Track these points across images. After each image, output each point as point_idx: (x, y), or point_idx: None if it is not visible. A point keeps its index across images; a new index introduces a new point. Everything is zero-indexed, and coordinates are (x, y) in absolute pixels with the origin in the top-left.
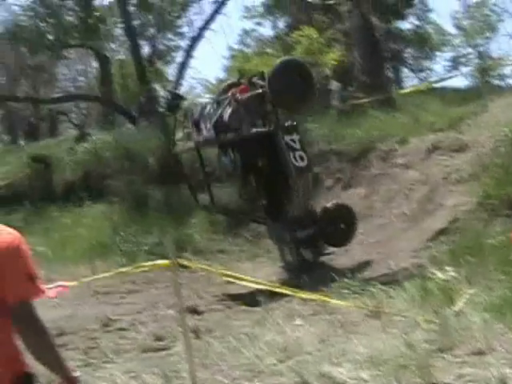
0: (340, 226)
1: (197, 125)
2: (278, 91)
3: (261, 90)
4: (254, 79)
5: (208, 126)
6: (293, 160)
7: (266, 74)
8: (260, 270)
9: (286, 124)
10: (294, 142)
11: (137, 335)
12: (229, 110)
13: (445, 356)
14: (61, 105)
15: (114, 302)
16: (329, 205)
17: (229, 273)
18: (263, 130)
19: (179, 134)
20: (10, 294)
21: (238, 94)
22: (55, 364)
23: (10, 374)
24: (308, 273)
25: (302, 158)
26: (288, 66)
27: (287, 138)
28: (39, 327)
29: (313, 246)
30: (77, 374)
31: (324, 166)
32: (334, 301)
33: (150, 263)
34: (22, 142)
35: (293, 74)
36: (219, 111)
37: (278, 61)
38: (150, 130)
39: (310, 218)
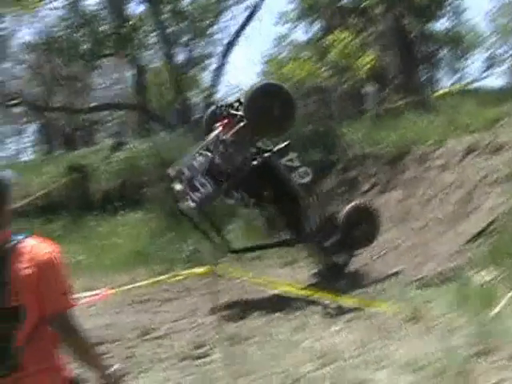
0: (362, 225)
1: (191, 182)
2: (254, 118)
3: (242, 122)
4: (232, 109)
5: (203, 180)
6: (297, 179)
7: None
8: (298, 276)
9: (279, 147)
10: (292, 160)
11: (174, 343)
12: (218, 154)
13: (484, 360)
14: (97, 114)
15: (152, 311)
16: (348, 207)
17: (264, 280)
18: (257, 161)
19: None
20: (49, 307)
21: (221, 134)
22: (94, 363)
23: (56, 380)
24: (345, 278)
25: (306, 173)
26: (262, 91)
27: (284, 160)
28: (77, 333)
29: (343, 251)
30: (115, 367)
31: (359, 169)
32: (371, 306)
33: (187, 272)
34: (58, 152)
35: (268, 98)
36: (209, 159)
37: (252, 87)
38: (186, 137)
39: (331, 224)
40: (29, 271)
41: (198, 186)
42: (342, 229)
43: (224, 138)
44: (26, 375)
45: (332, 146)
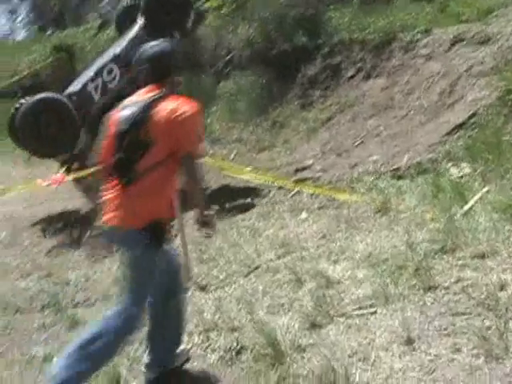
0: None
1: None
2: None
3: None
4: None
5: None
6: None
7: None
8: (276, 160)
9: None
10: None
11: None
12: None
13: (446, 258)
14: None
15: None
16: None
17: (230, 165)
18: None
19: None
20: (179, 149)
21: None
22: (197, 202)
23: (148, 215)
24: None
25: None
26: None
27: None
28: (193, 174)
29: None
30: (212, 212)
31: (345, 55)
32: (341, 195)
33: None
34: (48, 31)
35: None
36: None
37: None
38: None
39: None
40: (166, 118)
41: None
42: None
43: None
44: (136, 192)
45: (318, 31)
